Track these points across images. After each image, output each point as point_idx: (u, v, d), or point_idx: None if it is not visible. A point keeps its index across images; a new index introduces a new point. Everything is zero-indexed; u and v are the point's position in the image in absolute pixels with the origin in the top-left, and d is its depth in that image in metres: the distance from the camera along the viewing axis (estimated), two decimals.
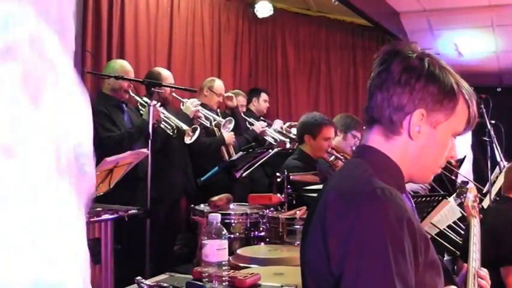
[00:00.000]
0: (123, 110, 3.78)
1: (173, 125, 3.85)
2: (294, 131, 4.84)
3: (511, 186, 2.83)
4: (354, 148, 3.81)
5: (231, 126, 4.29)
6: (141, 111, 3.86)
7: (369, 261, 1.02)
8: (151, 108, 3.38)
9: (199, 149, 4.14)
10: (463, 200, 1.81)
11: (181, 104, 4.25)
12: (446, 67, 1.20)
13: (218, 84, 4.61)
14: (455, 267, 3.14)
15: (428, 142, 1.18)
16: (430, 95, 1.16)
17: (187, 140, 3.84)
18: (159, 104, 3.76)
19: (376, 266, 1.01)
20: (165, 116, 3.84)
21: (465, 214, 1.84)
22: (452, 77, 1.19)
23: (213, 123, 4.22)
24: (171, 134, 3.84)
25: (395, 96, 1.16)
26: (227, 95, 4.68)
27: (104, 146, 3.32)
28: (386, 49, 1.23)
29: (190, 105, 4.09)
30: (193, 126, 3.89)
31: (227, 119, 4.29)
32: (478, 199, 1.80)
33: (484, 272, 1.51)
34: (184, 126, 3.84)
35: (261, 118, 5.31)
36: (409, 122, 1.16)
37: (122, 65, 3.80)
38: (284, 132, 5.06)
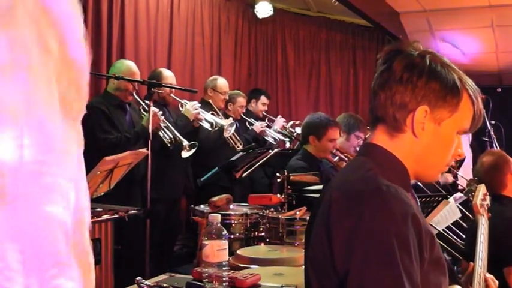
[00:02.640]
0: (125, 110, 3.76)
1: (171, 136, 3.80)
2: (298, 130, 4.83)
3: (501, 184, 2.80)
4: (357, 149, 3.81)
5: (233, 129, 4.29)
6: (142, 115, 3.83)
7: (375, 258, 1.02)
8: (151, 108, 3.37)
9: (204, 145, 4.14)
10: (471, 198, 1.79)
11: (179, 105, 4.24)
12: (449, 64, 1.20)
13: (221, 82, 4.61)
14: (456, 267, 3.14)
15: (433, 139, 1.18)
16: (433, 91, 1.15)
17: (184, 154, 3.82)
18: (161, 112, 3.73)
19: (383, 264, 1.01)
20: (165, 126, 3.79)
21: (466, 212, 1.83)
22: (456, 73, 1.18)
23: (215, 127, 4.19)
24: (168, 145, 3.80)
25: (397, 94, 1.16)
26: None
27: (99, 148, 3.29)
28: (388, 49, 1.23)
29: (191, 108, 4.06)
30: (192, 142, 3.84)
31: (229, 122, 4.27)
32: (487, 198, 1.78)
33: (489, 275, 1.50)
34: (184, 142, 3.80)
35: (264, 114, 5.29)
36: (413, 120, 1.16)
37: (129, 67, 3.75)
38: (287, 131, 5.05)
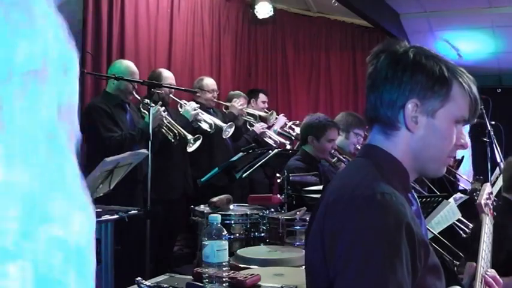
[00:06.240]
0: (125, 109, 3.77)
1: (175, 131, 3.83)
2: (298, 130, 4.83)
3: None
4: (357, 146, 3.82)
5: (231, 130, 4.29)
6: (143, 114, 3.83)
7: (362, 266, 1.00)
8: (151, 109, 3.37)
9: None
10: (476, 197, 1.77)
11: (178, 105, 4.24)
12: (435, 55, 1.18)
13: (207, 81, 4.64)
14: (456, 268, 3.13)
15: (429, 132, 1.16)
16: (419, 84, 1.14)
17: (189, 149, 3.85)
18: (163, 108, 3.74)
19: (370, 272, 1.00)
20: (168, 122, 3.82)
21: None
22: (442, 63, 1.16)
23: (213, 128, 4.20)
24: (172, 140, 3.83)
25: (385, 93, 1.16)
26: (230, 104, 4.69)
27: (105, 146, 3.32)
28: (375, 50, 1.23)
29: (190, 108, 4.07)
30: (196, 136, 3.87)
31: (228, 124, 4.28)
32: (492, 196, 1.75)
33: (492, 272, 1.46)
34: (188, 136, 3.84)
35: (266, 111, 5.28)
36: (404, 115, 1.15)
37: (128, 66, 3.76)
38: (286, 131, 5.05)
